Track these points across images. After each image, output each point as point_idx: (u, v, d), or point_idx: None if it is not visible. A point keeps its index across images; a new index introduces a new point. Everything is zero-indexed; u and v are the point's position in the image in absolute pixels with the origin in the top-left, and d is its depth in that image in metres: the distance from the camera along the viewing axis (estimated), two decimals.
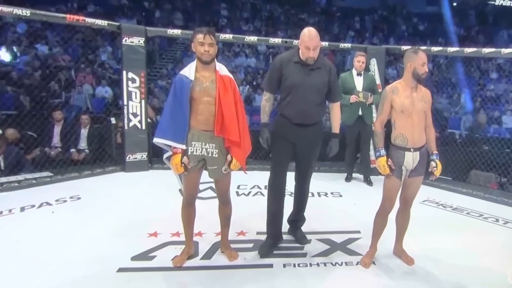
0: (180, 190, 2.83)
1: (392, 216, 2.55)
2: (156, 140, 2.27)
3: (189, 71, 2.25)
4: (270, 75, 2.60)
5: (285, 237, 2.78)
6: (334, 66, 2.63)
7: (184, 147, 2.24)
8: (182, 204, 2.42)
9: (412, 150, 2.39)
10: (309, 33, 2.45)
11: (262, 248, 2.58)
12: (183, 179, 2.37)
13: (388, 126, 2.52)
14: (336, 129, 2.67)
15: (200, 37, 2.20)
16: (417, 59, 2.35)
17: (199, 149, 2.28)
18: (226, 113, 2.22)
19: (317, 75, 2.50)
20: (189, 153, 2.27)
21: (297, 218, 2.83)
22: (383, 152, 2.39)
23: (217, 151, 2.29)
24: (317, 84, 2.50)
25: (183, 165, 2.23)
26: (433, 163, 2.42)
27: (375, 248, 2.57)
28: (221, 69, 2.31)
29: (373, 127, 2.67)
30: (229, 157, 2.29)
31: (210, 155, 2.29)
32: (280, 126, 2.57)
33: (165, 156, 2.36)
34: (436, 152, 2.45)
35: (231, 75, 2.32)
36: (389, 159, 2.39)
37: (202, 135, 2.26)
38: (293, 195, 2.83)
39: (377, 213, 2.54)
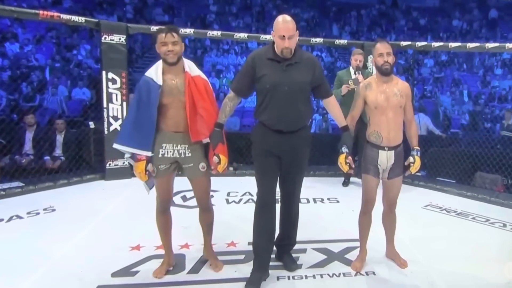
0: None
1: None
2: (118, 147, 2.26)
3: (156, 74, 2.23)
4: (240, 73, 2.40)
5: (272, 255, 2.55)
6: (317, 59, 2.45)
7: (150, 154, 2.24)
8: (156, 212, 2.42)
9: (386, 149, 2.44)
10: (284, 18, 2.22)
11: (251, 285, 2.32)
12: (156, 184, 2.36)
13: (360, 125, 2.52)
14: (341, 122, 2.47)
15: (161, 37, 2.18)
16: (374, 50, 2.45)
17: (170, 151, 2.29)
18: (204, 116, 2.24)
19: (297, 72, 2.27)
20: (160, 155, 2.28)
21: (285, 243, 2.60)
22: (344, 149, 2.37)
23: (189, 151, 2.30)
24: (297, 82, 2.26)
25: (147, 172, 2.24)
26: (411, 158, 2.45)
27: (365, 250, 2.64)
28: (191, 68, 2.29)
29: None
30: (215, 158, 2.28)
31: (182, 156, 2.30)
32: (260, 136, 2.36)
33: (126, 156, 2.33)
34: (418, 148, 2.48)
35: (201, 73, 2.33)
36: (349, 157, 2.36)
37: (173, 137, 2.27)
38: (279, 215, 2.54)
39: (360, 214, 2.61)
